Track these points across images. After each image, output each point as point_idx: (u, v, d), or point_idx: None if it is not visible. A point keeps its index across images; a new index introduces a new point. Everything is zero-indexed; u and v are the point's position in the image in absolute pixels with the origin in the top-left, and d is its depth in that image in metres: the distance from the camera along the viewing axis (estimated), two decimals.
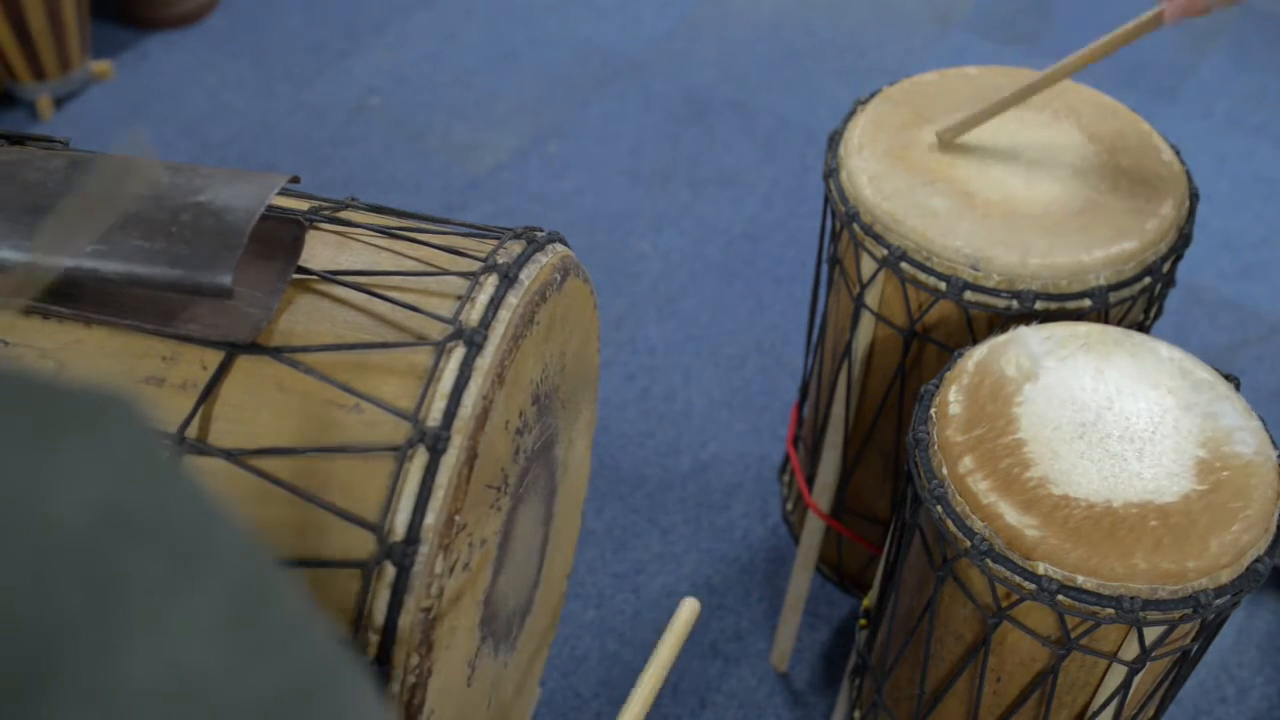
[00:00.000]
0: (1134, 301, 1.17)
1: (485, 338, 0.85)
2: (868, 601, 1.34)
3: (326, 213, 0.96)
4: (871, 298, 1.24)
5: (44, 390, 0.30)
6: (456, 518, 0.82)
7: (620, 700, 1.54)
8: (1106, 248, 1.13)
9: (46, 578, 0.27)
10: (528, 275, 0.91)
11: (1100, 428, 1.00)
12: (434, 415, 0.81)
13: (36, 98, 2.36)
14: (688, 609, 0.95)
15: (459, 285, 0.89)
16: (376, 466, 0.81)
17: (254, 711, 0.30)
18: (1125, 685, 1.02)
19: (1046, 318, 1.12)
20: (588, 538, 1.70)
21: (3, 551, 0.26)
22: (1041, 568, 0.92)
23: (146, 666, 0.28)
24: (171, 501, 0.31)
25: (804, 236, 2.16)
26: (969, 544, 0.96)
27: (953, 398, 1.03)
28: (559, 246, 0.98)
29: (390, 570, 0.79)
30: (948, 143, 1.22)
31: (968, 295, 1.13)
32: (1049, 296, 1.12)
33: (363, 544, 0.80)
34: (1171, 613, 0.92)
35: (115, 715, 0.27)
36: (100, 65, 2.45)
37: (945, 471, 0.99)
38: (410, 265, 0.92)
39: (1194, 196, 1.22)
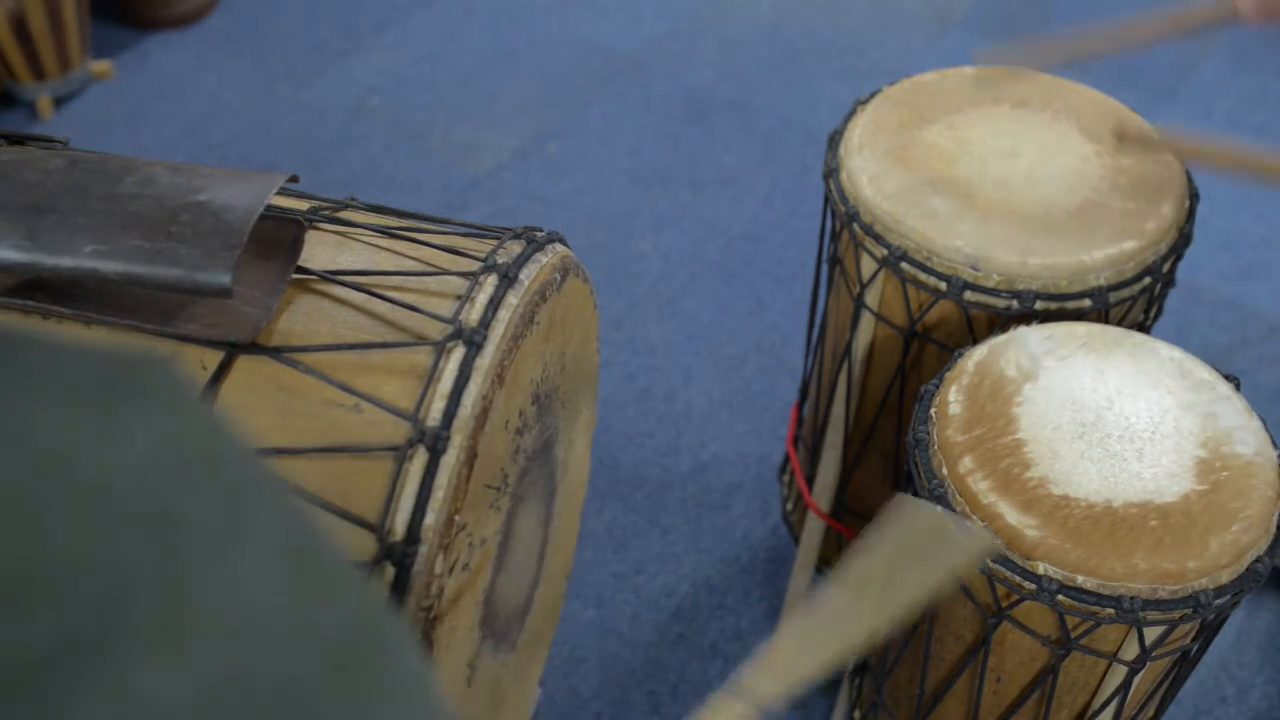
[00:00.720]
0: (1134, 301, 1.17)
1: (485, 338, 0.85)
2: None
3: (326, 213, 0.96)
4: (871, 298, 1.24)
5: (85, 352, 0.30)
6: (456, 518, 0.82)
7: (621, 700, 1.55)
8: (1106, 248, 1.13)
9: (110, 525, 0.27)
10: (528, 275, 0.91)
11: (1100, 428, 1.00)
12: (434, 415, 0.81)
13: (36, 98, 2.36)
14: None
15: (459, 285, 0.89)
16: (376, 466, 0.81)
17: (323, 647, 0.30)
18: (1125, 685, 1.02)
19: (1046, 318, 1.12)
20: (588, 538, 1.70)
21: (66, 504, 0.27)
22: (1041, 568, 0.92)
23: (216, 603, 0.28)
24: (220, 448, 0.31)
25: (804, 236, 2.16)
26: None
27: (953, 398, 1.03)
28: (559, 246, 0.98)
29: (390, 570, 0.79)
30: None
31: (968, 295, 1.13)
32: (1049, 296, 1.12)
33: (362, 544, 0.80)
34: (1171, 613, 0.92)
35: (190, 652, 0.27)
36: (100, 65, 2.45)
37: (945, 471, 0.99)
38: (410, 265, 0.92)
39: (1194, 196, 1.22)
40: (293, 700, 0.29)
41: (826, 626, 0.67)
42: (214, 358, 0.84)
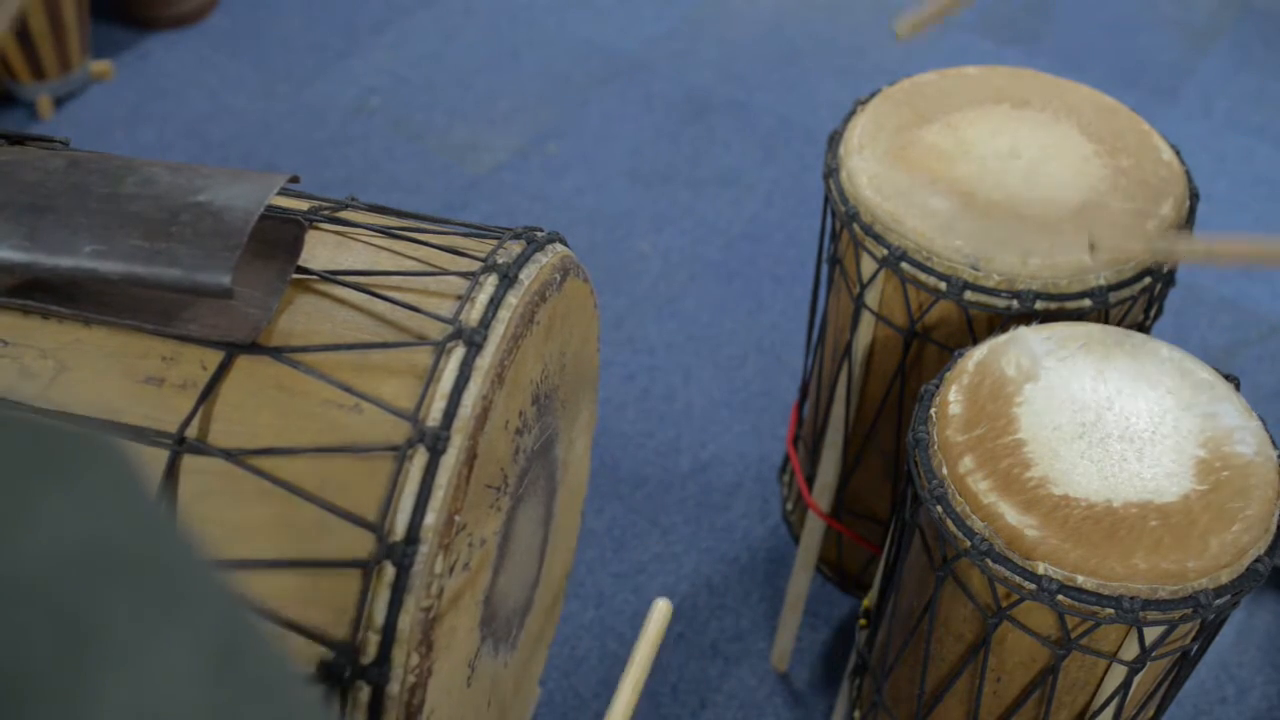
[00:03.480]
0: (1134, 301, 1.17)
1: (485, 338, 0.85)
2: (868, 601, 1.34)
3: (326, 213, 0.96)
4: (871, 298, 1.24)
5: (27, 431, 0.29)
6: (456, 518, 0.82)
7: None
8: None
9: (15, 620, 0.26)
10: (528, 275, 0.91)
11: (1100, 428, 1.00)
12: (434, 415, 0.81)
13: (36, 98, 2.36)
14: (660, 612, 0.92)
15: (459, 285, 0.89)
16: (376, 466, 0.81)
17: None
18: (1125, 685, 1.02)
19: (1046, 318, 1.12)
20: (588, 538, 1.70)
21: None
22: (1041, 568, 0.92)
23: (119, 713, 0.27)
24: (152, 545, 0.30)
25: (804, 236, 2.16)
26: (969, 544, 0.96)
27: (953, 398, 1.03)
28: (559, 246, 0.98)
29: (390, 570, 0.79)
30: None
31: (968, 295, 1.13)
32: (1049, 296, 1.12)
33: (362, 544, 0.80)
34: (1171, 613, 0.92)
35: None
36: (100, 65, 2.45)
37: (945, 471, 0.99)
38: (410, 265, 0.92)
39: (1194, 196, 1.22)
40: None
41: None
42: (214, 358, 0.84)
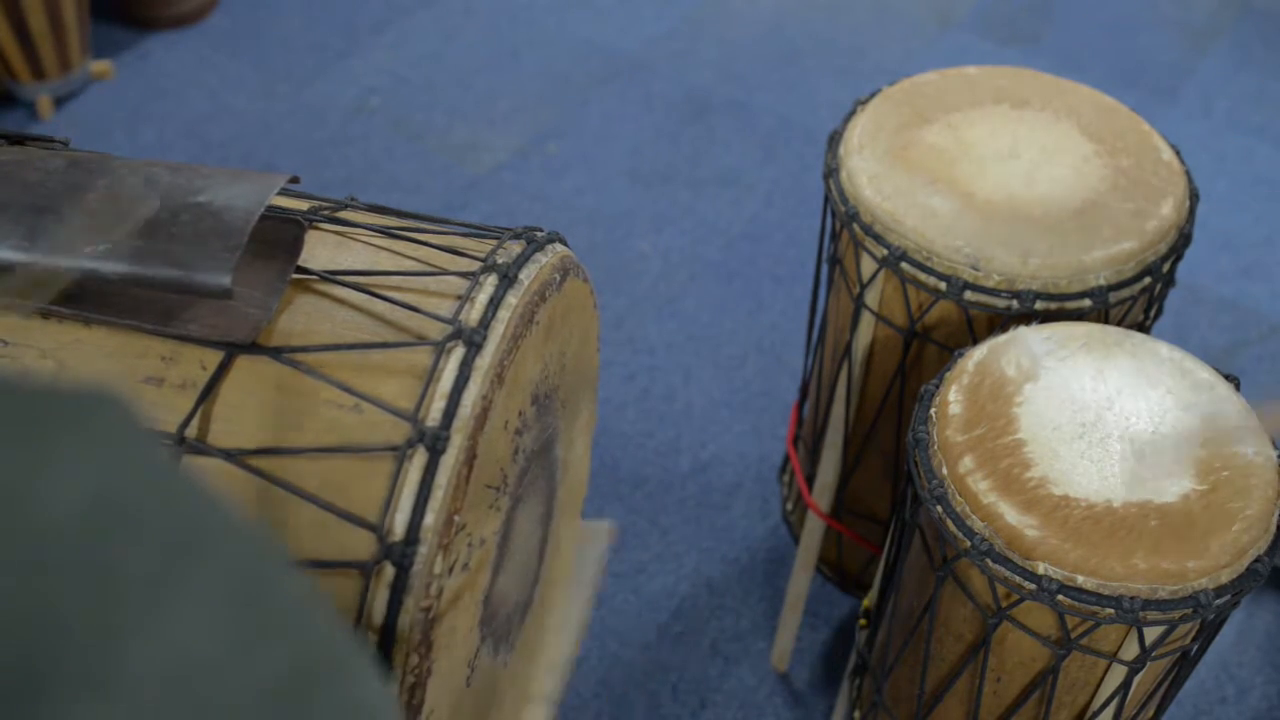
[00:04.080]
0: (1134, 301, 1.17)
1: (485, 338, 0.85)
2: (868, 601, 1.34)
3: (326, 213, 0.96)
4: (871, 298, 1.24)
5: (37, 390, 0.30)
6: (456, 518, 0.82)
7: (621, 700, 1.55)
8: (1106, 248, 1.13)
9: (41, 572, 0.27)
10: (527, 275, 0.91)
11: (1100, 428, 1.00)
12: (433, 415, 0.81)
13: (36, 98, 2.36)
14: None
15: (458, 285, 0.89)
16: (376, 466, 0.81)
17: (258, 695, 0.30)
18: (1125, 685, 1.02)
19: (1046, 318, 1.12)
20: None
21: None
22: (1041, 568, 0.92)
23: (147, 655, 0.27)
24: (165, 493, 0.31)
25: (804, 236, 2.16)
26: (969, 544, 0.96)
27: (953, 398, 1.03)
28: (559, 246, 0.98)
29: (390, 570, 0.79)
30: None
31: (968, 295, 1.13)
32: (1049, 296, 1.12)
33: (362, 544, 0.80)
34: (1171, 613, 0.92)
35: (119, 704, 0.27)
36: (100, 65, 2.45)
37: (945, 471, 0.99)
38: (410, 265, 0.92)
39: (1194, 196, 1.22)
40: None
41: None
42: (213, 358, 0.84)
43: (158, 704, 0.27)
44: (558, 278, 0.96)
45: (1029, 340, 1.07)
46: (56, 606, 0.27)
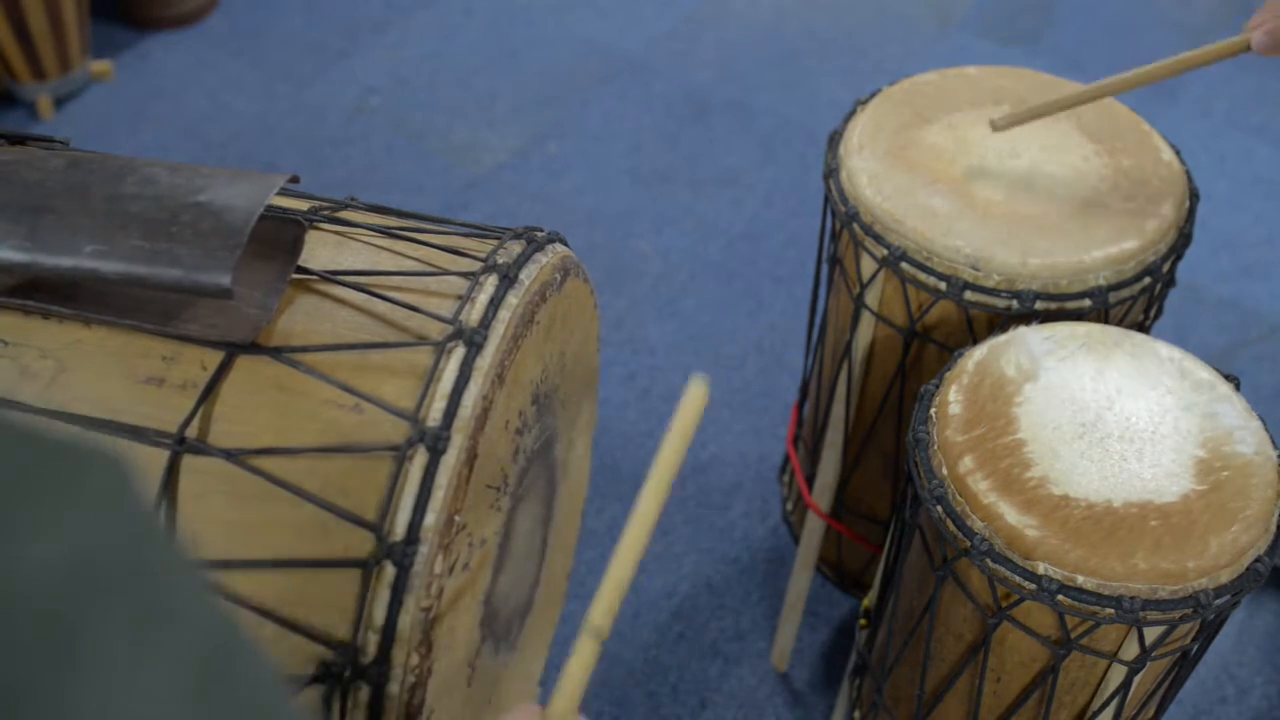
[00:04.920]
0: (1134, 301, 1.17)
1: (485, 338, 0.85)
2: (868, 601, 1.34)
3: (326, 213, 0.96)
4: (871, 298, 1.24)
5: (27, 440, 0.29)
6: (456, 518, 0.82)
7: (621, 700, 1.55)
8: (1106, 248, 1.13)
9: (7, 642, 0.26)
10: (528, 275, 0.91)
11: (1100, 428, 1.00)
12: (434, 415, 0.81)
13: (36, 98, 2.36)
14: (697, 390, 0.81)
15: (459, 285, 0.89)
16: (376, 466, 0.81)
17: None
18: (1125, 685, 1.02)
19: (1046, 318, 1.12)
20: (588, 538, 1.70)
21: None
22: (1041, 568, 0.92)
23: None
24: (145, 561, 0.30)
25: (804, 236, 2.16)
26: (969, 544, 0.96)
27: (953, 398, 1.03)
28: (559, 246, 0.98)
29: (390, 570, 0.79)
30: (1000, 129, 1.20)
31: (968, 295, 1.13)
32: (1049, 296, 1.12)
33: (362, 544, 0.80)
34: (1171, 613, 0.92)
35: None
36: (100, 65, 2.45)
37: (945, 471, 0.99)
38: (410, 265, 0.92)
39: (1194, 196, 1.22)
40: None
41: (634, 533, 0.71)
42: (214, 358, 0.84)
43: None
44: (558, 278, 0.96)
45: (1029, 340, 1.07)
46: (14, 668, 0.26)
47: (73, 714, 0.26)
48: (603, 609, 0.68)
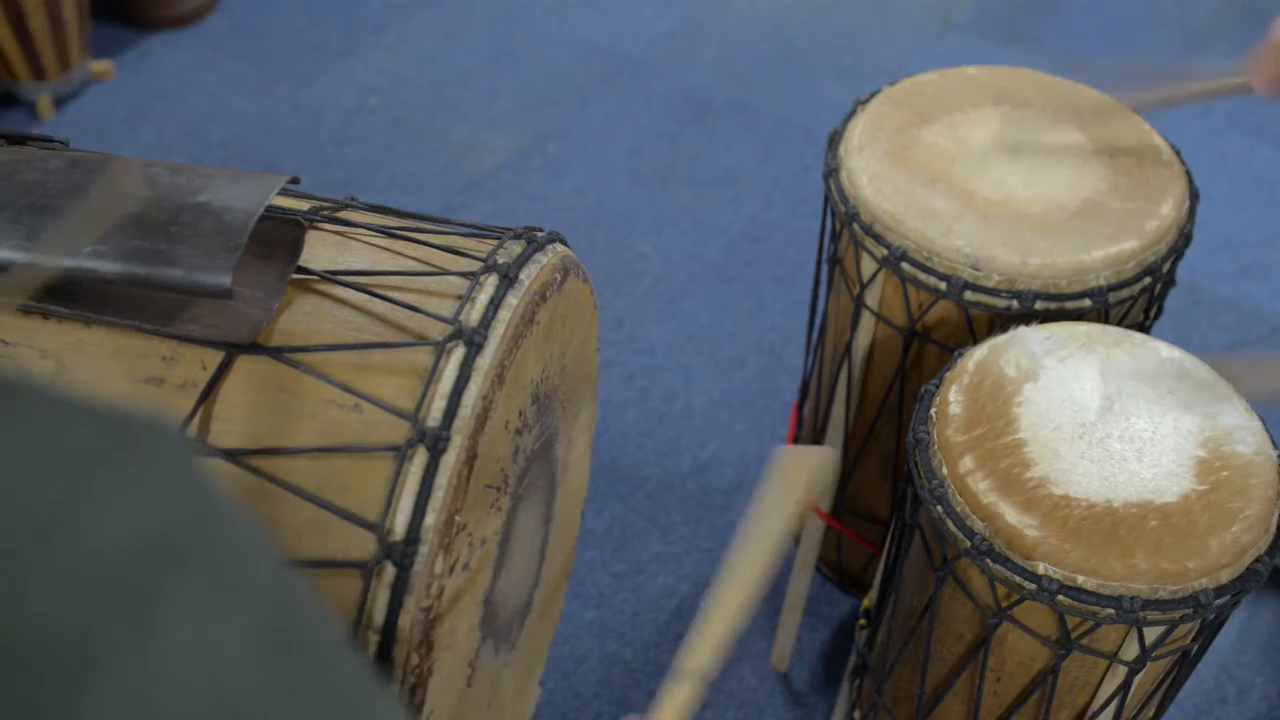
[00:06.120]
0: (1134, 301, 1.17)
1: (485, 338, 0.85)
2: (868, 601, 1.34)
3: (326, 213, 0.96)
4: (871, 298, 1.24)
5: (90, 415, 0.29)
6: (456, 518, 0.82)
7: (621, 700, 1.55)
8: (1106, 248, 1.13)
9: (86, 600, 0.27)
10: (528, 275, 0.91)
11: (1100, 428, 1.00)
12: (434, 415, 0.81)
13: (36, 98, 2.36)
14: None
15: (459, 285, 0.89)
16: (376, 466, 0.81)
17: None
18: (1125, 685, 1.02)
19: (1046, 318, 1.12)
20: (588, 538, 1.70)
21: (44, 573, 0.26)
22: (1041, 568, 0.92)
23: (186, 689, 0.27)
24: (214, 528, 0.31)
25: (804, 236, 2.16)
26: (969, 544, 0.96)
27: (953, 398, 1.03)
28: (559, 246, 0.98)
29: (390, 570, 0.79)
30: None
31: (968, 295, 1.13)
32: (1049, 296, 1.12)
33: (363, 544, 0.80)
34: (1171, 613, 0.92)
35: None
36: (100, 65, 2.45)
37: (945, 471, 0.99)
38: (410, 265, 0.92)
39: (1194, 196, 1.22)
40: None
41: (737, 586, 0.74)
42: (214, 358, 0.84)
43: None
44: (558, 278, 0.96)
45: (1029, 340, 1.07)
46: (100, 634, 0.26)
47: (156, 675, 0.27)
48: (702, 652, 0.69)
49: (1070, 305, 1.12)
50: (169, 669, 0.27)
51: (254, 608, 0.30)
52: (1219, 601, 0.92)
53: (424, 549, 0.79)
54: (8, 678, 0.25)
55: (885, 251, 1.16)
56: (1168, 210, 1.17)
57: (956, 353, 1.09)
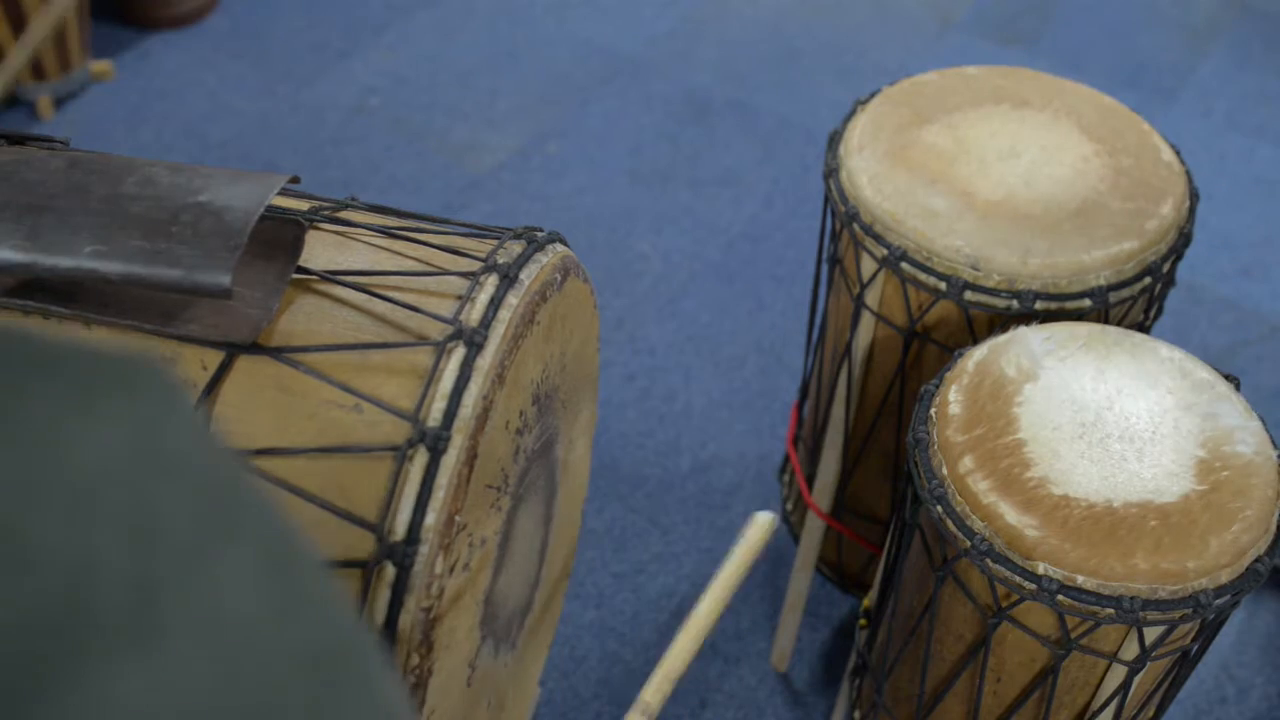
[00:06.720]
0: (1134, 301, 1.17)
1: (485, 338, 0.85)
2: (868, 601, 1.34)
3: (326, 213, 0.96)
4: (871, 298, 1.24)
5: (77, 352, 0.30)
6: (456, 518, 0.82)
7: (621, 700, 1.55)
8: (1106, 248, 1.13)
9: (85, 518, 0.27)
10: (528, 275, 0.91)
11: (1100, 428, 1.00)
12: (434, 415, 0.81)
13: (36, 98, 2.36)
14: (762, 523, 0.94)
15: (459, 285, 0.89)
16: (376, 466, 0.81)
17: (289, 665, 0.29)
18: (1125, 685, 1.02)
19: (1046, 318, 1.12)
20: (588, 538, 1.70)
21: (41, 493, 0.26)
22: (1041, 568, 0.92)
23: (190, 607, 0.27)
24: (205, 453, 0.31)
25: (804, 236, 2.16)
26: (969, 544, 0.96)
27: (953, 398, 1.03)
28: (559, 246, 0.98)
29: (390, 570, 0.79)
30: None
31: (968, 295, 1.13)
32: (1049, 296, 1.12)
33: (363, 544, 0.80)
34: (1171, 613, 0.92)
35: (156, 659, 0.26)
36: (100, 65, 2.45)
37: (945, 471, 0.99)
38: (410, 265, 0.92)
39: (1194, 196, 1.22)
40: (266, 712, 0.28)
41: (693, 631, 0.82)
42: (214, 358, 0.84)
43: (192, 662, 0.27)
44: (558, 278, 0.96)
45: (1029, 340, 1.07)
46: (97, 555, 0.26)
47: (159, 594, 0.27)
48: (654, 689, 0.74)
49: (1070, 305, 1.12)
50: (169, 591, 0.27)
51: (248, 533, 0.30)
52: (1219, 601, 0.92)
53: (424, 549, 0.79)
54: (8, 595, 0.25)
55: (885, 251, 1.16)
56: (1168, 210, 1.17)
57: (956, 353, 1.09)
